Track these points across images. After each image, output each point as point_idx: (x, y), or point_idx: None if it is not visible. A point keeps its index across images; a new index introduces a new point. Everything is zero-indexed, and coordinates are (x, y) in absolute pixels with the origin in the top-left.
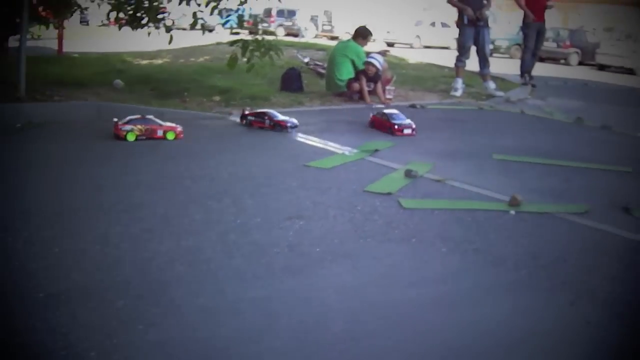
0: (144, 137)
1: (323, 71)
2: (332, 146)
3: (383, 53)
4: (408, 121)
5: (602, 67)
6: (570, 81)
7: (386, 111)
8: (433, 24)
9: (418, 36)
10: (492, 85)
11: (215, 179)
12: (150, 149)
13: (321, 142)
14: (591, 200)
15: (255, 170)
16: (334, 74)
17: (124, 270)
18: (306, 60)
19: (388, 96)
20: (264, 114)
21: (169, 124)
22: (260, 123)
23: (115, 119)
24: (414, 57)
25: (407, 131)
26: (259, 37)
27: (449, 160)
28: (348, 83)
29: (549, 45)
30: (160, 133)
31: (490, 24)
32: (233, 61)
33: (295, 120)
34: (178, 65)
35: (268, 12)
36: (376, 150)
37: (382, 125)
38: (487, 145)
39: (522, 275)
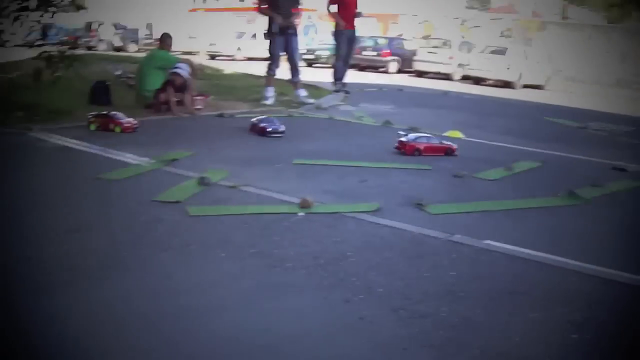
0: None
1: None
2: (129, 157)
3: (186, 62)
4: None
5: (420, 74)
6: (387, 87)
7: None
8: (254, 36)
9: (239, 48)
10: (303, 92)
11: None
12: None
13: (118, 154)
14: (386, 198)
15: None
16: (142, 85)
17: None
18: (118, 72)
19: (197, 106)
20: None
21: None
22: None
23: None
24: (234, 68)
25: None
26: (63, 50)
27: (248, 167)
28: (156, 94)
29: (368, 54)
30: None
31: (311, 34)
32: (37, 74)
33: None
34: None
35: (89, 27)
36: (174, 160)
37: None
38: (289, 150)
39: (300, 275)
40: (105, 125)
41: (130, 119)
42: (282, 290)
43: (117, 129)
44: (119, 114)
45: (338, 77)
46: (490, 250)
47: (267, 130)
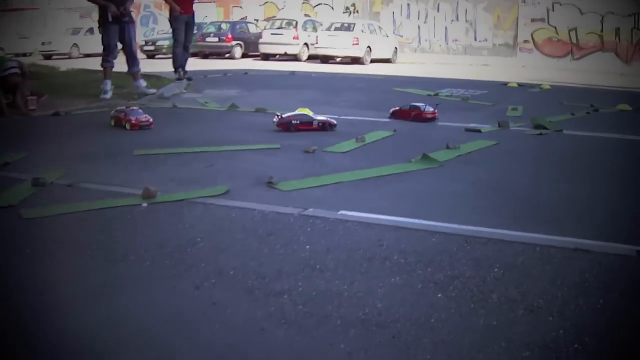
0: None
1: None
2: None
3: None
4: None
5: (266, 57)
6: (231, 72)
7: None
8: (91, 30)
9: (75, 44)
10: (142, 83)
11: None
12: None
13: None
14: (235, 180)
15: None
16: None
17: None
18: None
19: (31, 107)
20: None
21: None
22: None
23: None
24: (71, 65)
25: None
26: None
27: (86, 163)
28: None
29: (211, 40)
30: None
31: (150, 24)
32: None
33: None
34: None
35: None
36: (5, 164)
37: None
38: (131, 142)
39: (146, 266)
40: (119, 121)
41: (141, 117)
42: (127, 284)
43: (127, 126)
44: (135, 110)
45: (179, 64)
46: (345, 221)
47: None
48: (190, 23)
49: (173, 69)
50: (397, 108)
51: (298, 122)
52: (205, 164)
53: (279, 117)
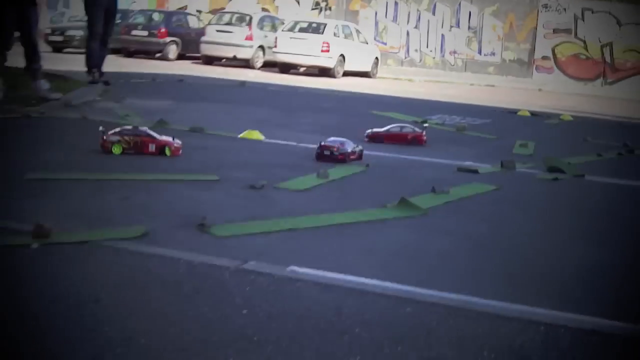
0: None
1: None
2: None
3: None
4: None
5: (209, 60)
6: (163, 77)
7: None
8: None
9: None
10: (44, 85)
11: None
12: None
13: None
14: (157, 219)
15: None
16: None
17: None
18: None
19: None
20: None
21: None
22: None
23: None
24: None
25: None
26: None
27: None
28: None
29: (139, 34)
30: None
31: (59, 7)
32: None
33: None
34: None
35: None
36: None
37: None
38: (21, 163)
39: (29, 328)
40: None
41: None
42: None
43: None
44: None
45: (94, 63)
46: (296, 280)
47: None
48: (111, 10)
49: (86, 69)
50: (383, 130)
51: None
52: (119, 196)
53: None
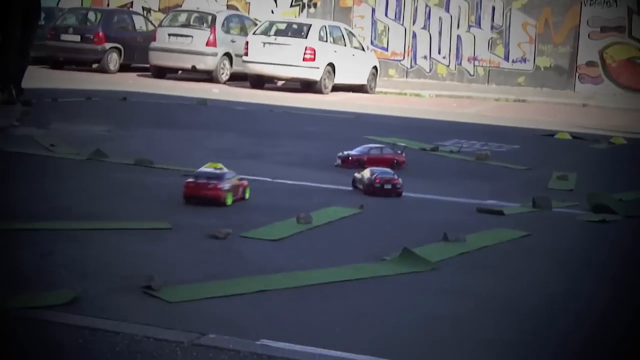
0: None
1: None
2: None
3: None
4: None
5: (160, 72)
6: (100, 95)
7: None
8: None
9: None
10: None
11: None
12: None
13: None
14: (90, 281)
15: None
16: None
17: None
18: None
19: None
20: None
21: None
22: None
23: None
24: None
25: None
26: None
27: None
28: None
29: (69, 39)
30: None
31: None
32: None
33: None
34: None
35: None
36: None
37: None
38: None
39: None
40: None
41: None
42: None
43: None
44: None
45: (10, 79)
46: (268, 356)
47: None
48: (32, 10)
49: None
50: (359, 152)
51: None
52: (40, 251)
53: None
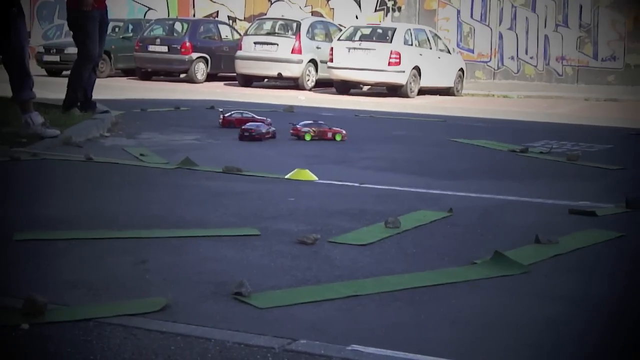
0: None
1: None
2: None
3: None
4: None
5: (248, 80)
6: (189, 104)
7: None
8: None
9: None
10: (38, 118)
11: None
12: None
13: None
14: (181, 288)
15: None
16: None
17: None
18: None
19: None
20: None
21: None
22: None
23: None
24: None
25: None
26: None
27: None
28: None
29: (157, 49)
30: None
31: (55, 19)
32: None
33: None
34: None
35: None
36: None
37: None
38: (3, 219)
39: None
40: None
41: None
42: None
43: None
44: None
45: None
46: None
47: None
48: (103, 23)
49: (64, 103)
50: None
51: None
52: (132, 259)
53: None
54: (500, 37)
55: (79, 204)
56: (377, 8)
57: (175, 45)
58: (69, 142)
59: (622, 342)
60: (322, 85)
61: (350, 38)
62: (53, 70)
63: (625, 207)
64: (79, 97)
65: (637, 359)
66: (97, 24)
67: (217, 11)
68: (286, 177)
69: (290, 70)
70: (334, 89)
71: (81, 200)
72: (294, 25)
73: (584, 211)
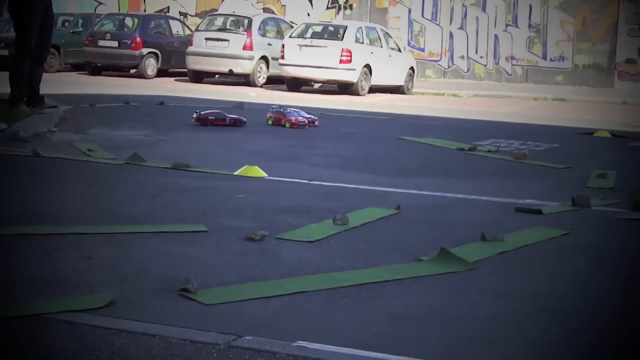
0: None
1: None
2: None
3: None
4: None
5: (197, 77)
6: (138, 100)
7: None
8: None
9: None
10: None
11: None
12: None
13: None
14: (127, 284)
15: None
16: None
17: None
18: None
19: None
20: None
21: None
22: None
23: None
24: None
25: None
26: None
27: None
28: None
29: (107, 44)
30: None
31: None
32: None
33: None
34: None
35: None
36: None
37: None
38: None
39: None
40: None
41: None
42: None
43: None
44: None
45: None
46: (305, 358)
47: None
48: (47, 17)
49: (9, 99)
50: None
51: (213, 117)
52: (79, 255)
53: (198, 113)
54: (451, 36)
55: (25, 199)
56: (329, 6)
57: (125, 41)
58: (16, 137)
59: (564, 337)
60: (273, 82)
61: (301, 35)
62: (2, 65)
63: (571, 206)
64: (24, 91)
65: (580, 353)
66: (39, 15)
67: (168, 6)
68: (235, 173)
69: (241, 67)
70: (285, 86)
71: (27, 196)
72: (246, 21)
73: (530, 209)
